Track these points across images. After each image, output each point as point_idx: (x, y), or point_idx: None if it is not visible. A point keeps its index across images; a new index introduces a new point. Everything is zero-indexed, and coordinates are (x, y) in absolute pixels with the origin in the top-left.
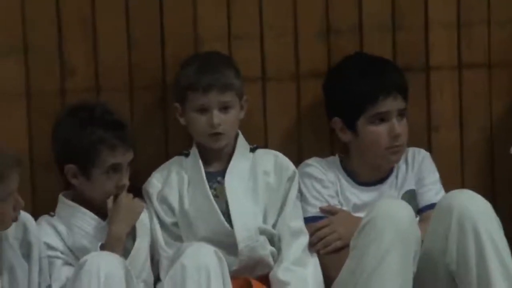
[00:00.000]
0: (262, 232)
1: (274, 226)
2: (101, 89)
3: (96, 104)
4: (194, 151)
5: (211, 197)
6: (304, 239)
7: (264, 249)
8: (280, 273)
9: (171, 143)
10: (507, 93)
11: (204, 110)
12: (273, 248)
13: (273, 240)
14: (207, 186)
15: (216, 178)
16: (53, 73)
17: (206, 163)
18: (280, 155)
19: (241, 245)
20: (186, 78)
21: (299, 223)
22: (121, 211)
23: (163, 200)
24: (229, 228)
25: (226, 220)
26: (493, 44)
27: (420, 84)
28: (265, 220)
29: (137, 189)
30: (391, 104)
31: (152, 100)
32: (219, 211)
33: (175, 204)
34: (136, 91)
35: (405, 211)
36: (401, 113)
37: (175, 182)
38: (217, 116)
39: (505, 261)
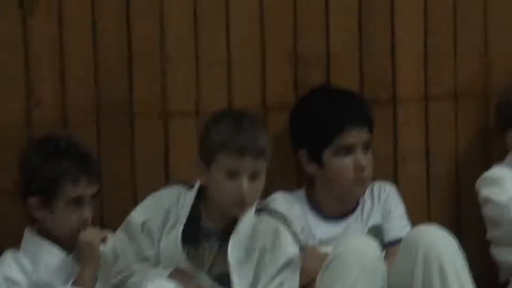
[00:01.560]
0: None
1: None
2: (68, 121)
3: (61, 136)
4: (193, 195)
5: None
6: None
7: None
8: None
9: (139, 179)
10: (473, 124)
11: (234, 174)
12: None
13: None
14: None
15: (211, 237)
16: (19, 104)
17: (205, 215)
18: (283, 233)
19: None
20: (218, 137)
21: None
22: (85, 252)
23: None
24: None
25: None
26: (459, 76)
27: (387, 116)
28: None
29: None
30: (357, 135)
31: (119, 134)
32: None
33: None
34: (103, 124)
35: (371, 247)
36: (367, 145)
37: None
38: (247, 184)
39: None
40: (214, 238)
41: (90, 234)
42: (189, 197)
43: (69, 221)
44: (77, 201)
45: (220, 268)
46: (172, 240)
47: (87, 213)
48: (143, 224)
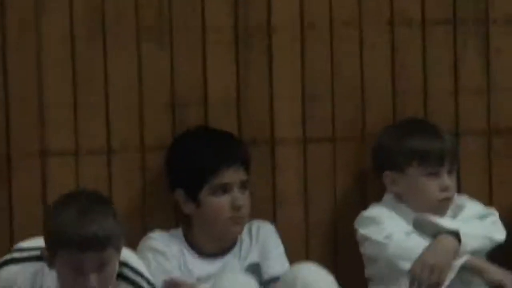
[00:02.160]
0: None
1: None
2: None
3: None
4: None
5: None
6: None
7: None
8: None
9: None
10: (351, 166)
11: (78, 270)
12: None
13: None
14: None
15: None
16: None
17: None
18: None
19: None
20: (59, 231)
21: None
22: None
23: None
24: None
25: None
26: (337, 118)
27: (265, 158)
28: None
29: None
30: (233, 175)
31: None
32: None
33: None
34: None
35: (249, 284)
36: (244, 185)
37: None
38: (94, 279)
39: None
40: None
41: None
42: (49, 279)
43: None
44: None
45: None
46: None
47: None
48: None
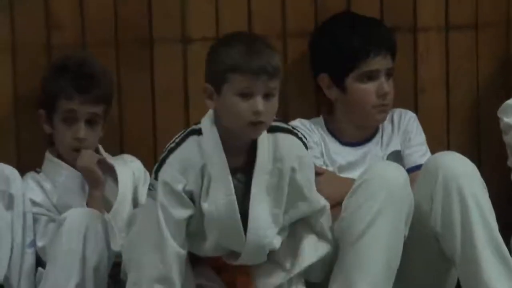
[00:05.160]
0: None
1: None
2: (88, 44)
3: (75, 55)
4: (212, 131)
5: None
6: None
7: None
8: None
9: (157, 102)
10: (493, 54)
11: (247, 95)
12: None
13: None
14: (232, 188)
15: (236, 174)
16: (38, 27)
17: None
18: (303, 150)
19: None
20: (230, 58)
21: None
22: (85, 176)
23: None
24: (243, 239)
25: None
26: (480, 5)
27: (407, 45)
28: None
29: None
30: (381, 62)
31: (139, 56)
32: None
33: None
34: (123, 46)
35: (400, 174)
36: (389, 73)
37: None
38: (262, 104)
39: (489, 224)
40: (239, 175)
41: (84, 157)
42: (210, 142)
43: (65, 137)
44: (72, 118)
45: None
46: (221, 194)
47: (82, 132)
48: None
